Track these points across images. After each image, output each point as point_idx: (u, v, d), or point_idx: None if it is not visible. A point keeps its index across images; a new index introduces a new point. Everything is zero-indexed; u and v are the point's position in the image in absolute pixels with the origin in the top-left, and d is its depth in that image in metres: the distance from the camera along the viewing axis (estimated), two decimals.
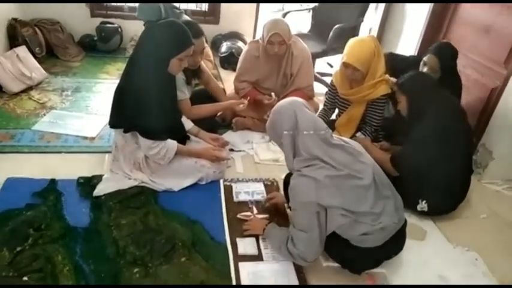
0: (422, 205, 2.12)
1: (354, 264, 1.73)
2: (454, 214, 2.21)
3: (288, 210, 2.05)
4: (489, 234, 2.15)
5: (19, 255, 1.62)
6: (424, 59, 2.45)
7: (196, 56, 2.27)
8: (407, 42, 3.49)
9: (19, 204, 1.91)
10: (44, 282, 1.53)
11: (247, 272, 1.69)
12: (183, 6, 4.00)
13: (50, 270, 1.58)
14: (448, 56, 2.40)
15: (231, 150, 2.57)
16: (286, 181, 1.82)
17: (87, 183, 2.10)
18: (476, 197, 2.38)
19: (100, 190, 2.04)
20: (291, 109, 1.64)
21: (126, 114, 1.98)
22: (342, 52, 2.47)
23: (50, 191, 2.02)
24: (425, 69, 2.41)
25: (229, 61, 3.87)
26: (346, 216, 1.54)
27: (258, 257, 1.78)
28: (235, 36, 4.17)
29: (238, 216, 2.00)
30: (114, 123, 2.07)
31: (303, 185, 1.55)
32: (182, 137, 2.26)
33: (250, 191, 2.19)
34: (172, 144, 2.07)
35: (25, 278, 1.53)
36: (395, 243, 1.72)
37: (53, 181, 2.09)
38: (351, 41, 2.43)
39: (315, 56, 3.58)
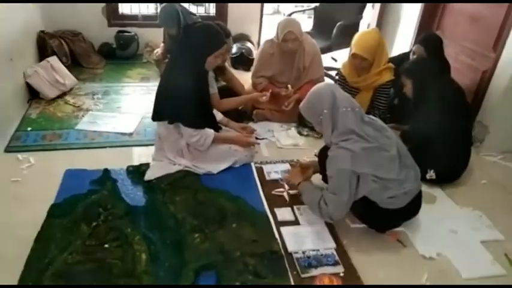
0: (431, 174, 2.41)
1: (379, 224, 2.02)
2: (458, 182, 2.52)
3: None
4: (489, 196, 2.46)
5: (96, 229, 1.90)
6: (413, 49, 2.78)
7: (225, 54, 2.56)
8: (404, 34, 3.78)
9: (81, 190, 2.17)
10: (122, 249, 1.80)
11: (289, 233, 1.97)
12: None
13: (125, 239, 1.86)
14: (432, 44, 2.72)
15: (256, 138, 2.85)
16: (322, 153, 2.10)
17: (137, 171, 2.37)
18: (476, 166, 2.69)
19: (150, 175, 2.31)
20: (329, 90, 1.91)
21: (171, 107, 2.25)
22: (345, 47, 2.78)
23: (105, 178, 2.29)
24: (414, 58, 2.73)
25: (240, 61, 4.13)
26: (377, 182, 1.82)
27: (295, 222, 2.07)
28: (242, 38, 4.44)
29: (273, 192, 2.29)
30: (158, 116, 2.35)
31: (341, 155, 1.82)
32: (214, 127, 2.54)
33: (279, 170, 2.48)
34: (210, 132, 2.35)
35: (106, 246, 1.81)
36: (414, 206, 2.00)
37: (106, 170, 2.35)
38: (358, 34, 2.74)
39: (320, 51, 3.88)
